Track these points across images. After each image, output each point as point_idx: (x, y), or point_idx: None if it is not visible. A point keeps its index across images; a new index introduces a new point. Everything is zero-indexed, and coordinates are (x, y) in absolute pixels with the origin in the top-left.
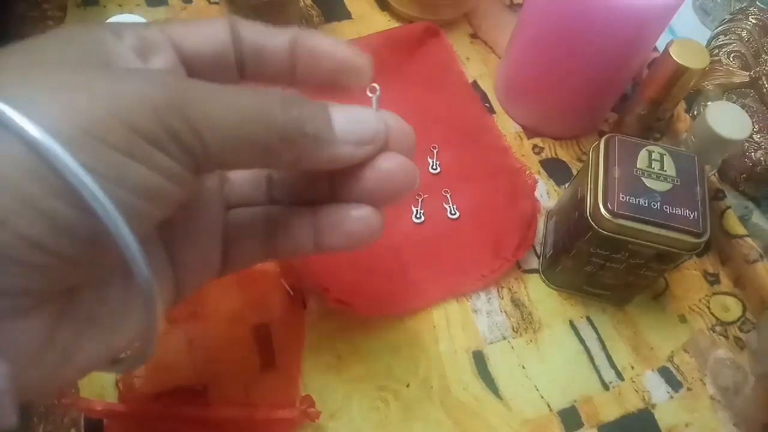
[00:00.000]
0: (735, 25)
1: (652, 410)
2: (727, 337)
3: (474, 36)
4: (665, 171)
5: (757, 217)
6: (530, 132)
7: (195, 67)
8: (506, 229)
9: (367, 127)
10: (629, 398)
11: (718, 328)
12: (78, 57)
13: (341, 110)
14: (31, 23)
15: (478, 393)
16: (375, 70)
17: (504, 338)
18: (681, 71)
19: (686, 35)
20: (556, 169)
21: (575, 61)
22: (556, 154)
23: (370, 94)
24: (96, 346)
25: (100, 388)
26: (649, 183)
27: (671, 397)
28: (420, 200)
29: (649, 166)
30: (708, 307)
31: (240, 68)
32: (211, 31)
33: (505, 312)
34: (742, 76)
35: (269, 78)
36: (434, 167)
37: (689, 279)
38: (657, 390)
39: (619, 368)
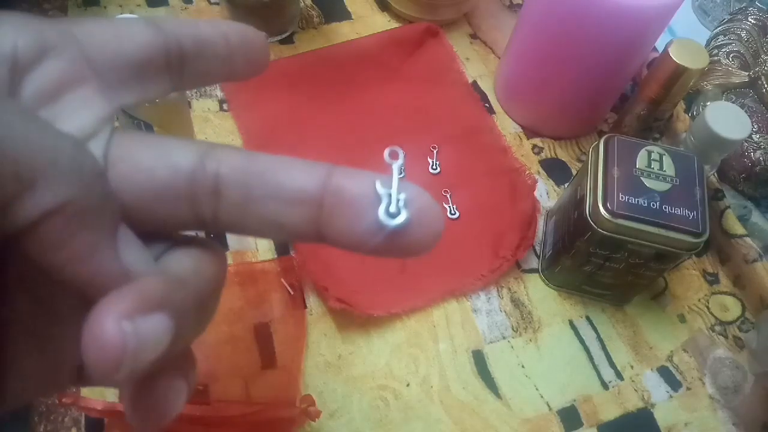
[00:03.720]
0: (734, 26)
1: (651, 409)
2: (726, 337)
3: (474, 36)
4: (664, 171)
5: (756, 217)
6: (530, 132)
7: (112, 73)
8: (506, 229)
9: None
10: (629, 398)
11: (717, 328)
12: None
13: None
14: None
15: (478, 392)
16: (375, 70)
17: (503, 338)
18: (680, 71)
19: (686, 35)
20: (555, 169)
21: (575, 62)
22: (555, 154)
23: (390, 161)
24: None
25: (101, 388)
26: (649, 183)
27: (671, 396)
28: None
29: (649, 166)
30: (707, 307)
31: (178, 68)
32: (132, 30)
33: (505, 311)
34: (741, 76)
35: (209, 73)
36: (434, 167)
37: (688, 279)
38: (656, 389)
39: (619, 368)
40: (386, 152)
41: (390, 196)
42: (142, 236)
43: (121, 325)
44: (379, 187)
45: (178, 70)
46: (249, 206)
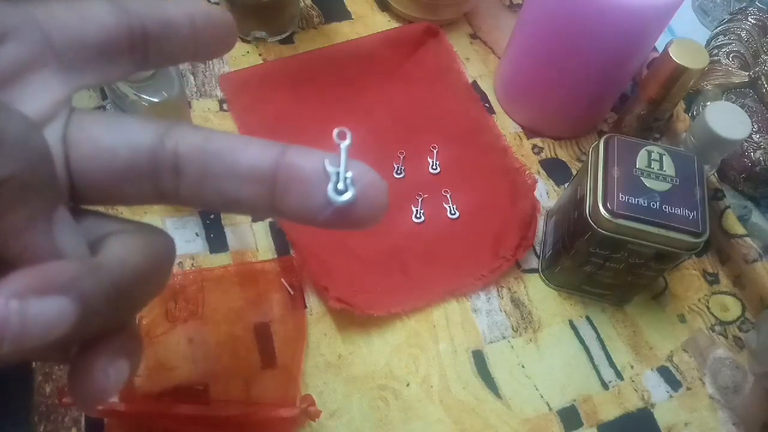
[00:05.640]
0: (734, 26)
1: (651, 409)
2: (726, 337)
3: (474, 36)
4: (664, 171)
5: (756, 217)
6: (530, 132)
7: (73, 55)
8: (506, 229)
9: None
10: (629, 397)
11: (717, 328)
12: None
13: None
14: None
15: (478, 392)
16: (375, 70)
17: (503, 338)
18: (680, 71)
19: (686, 35)
20: (555, 169)
21: (575, 61)
22: (555, 154)
23: (338, 141)
24: None
25: None
26: (649, 183)
27: (671, 396)
28: (420, 200)
29: (649, 166)
30: (707, 307)
31: (142, 50)
32: (95, 11)
33: (505, 311)
34: (741, 76)
35: (173, 55)
36: (434, 167)
37: (688, 279)
38: (656, 389)
39: (619, 368)
40: (335, 132)
41: (338, 174)
42: (86, 220)
43: (8, 303)
44: (328, 166)
45: (142, 52)
46: (207, 183)
